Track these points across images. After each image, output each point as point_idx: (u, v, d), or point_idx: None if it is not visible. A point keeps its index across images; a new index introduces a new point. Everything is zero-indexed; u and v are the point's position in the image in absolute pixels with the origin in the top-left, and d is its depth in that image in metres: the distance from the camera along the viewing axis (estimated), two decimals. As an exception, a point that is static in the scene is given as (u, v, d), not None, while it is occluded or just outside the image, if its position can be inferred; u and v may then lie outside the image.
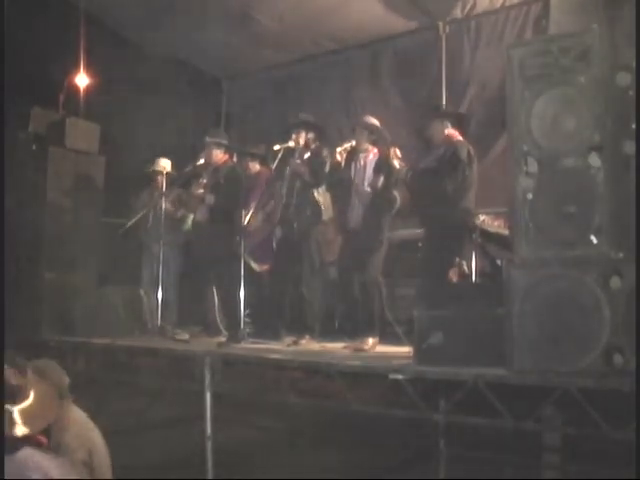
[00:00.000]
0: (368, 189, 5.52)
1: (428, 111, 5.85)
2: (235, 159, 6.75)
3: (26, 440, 2.52)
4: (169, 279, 6.70)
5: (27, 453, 2.56)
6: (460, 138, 5.39)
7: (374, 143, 5.68)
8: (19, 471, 2.50)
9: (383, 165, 5.54)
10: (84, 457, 3.03)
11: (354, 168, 5.67)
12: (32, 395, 2.63)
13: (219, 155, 6.35)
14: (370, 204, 5.53)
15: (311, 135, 5.98)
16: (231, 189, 6.15)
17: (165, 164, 7.02)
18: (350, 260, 5.57)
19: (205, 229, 6.27)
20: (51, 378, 3.34)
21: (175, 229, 6.82)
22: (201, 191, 6.22)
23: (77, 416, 3.37)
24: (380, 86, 8.21)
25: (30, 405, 2.57)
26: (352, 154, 5.78)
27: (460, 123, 5.56)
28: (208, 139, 6.38)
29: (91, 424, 3.23)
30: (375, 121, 5.75)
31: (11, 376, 2.55)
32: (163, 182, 6.60)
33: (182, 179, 6.50)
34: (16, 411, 2.52)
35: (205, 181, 6.31)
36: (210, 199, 6.16)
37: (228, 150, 6.48)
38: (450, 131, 5.42)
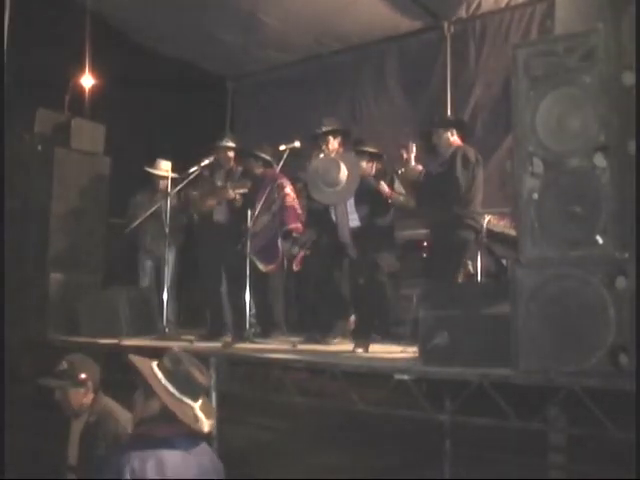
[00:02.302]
0: (355, 225, 5.42)
1: (434, 120, 5.82)
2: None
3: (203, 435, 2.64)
4: (171, 280, 6.72)
5: (207, 447, 2.71)
6: (463, 144, 5.44)
7: None
8: (215, 465, 2.70)
9: (365, 192, 5.40)
10: None
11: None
12: None
13: (231, 159, 6.53)
14: (360, 240, 5.42)
15: (338, 140, 5.87)
16: (249, 191, 6.23)
17: (165, 166, 7.04)
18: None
19: (223, 230, 6.32)
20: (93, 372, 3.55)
21: (175, 230, 6.82)
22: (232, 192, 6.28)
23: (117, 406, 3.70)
24: (385, 86, 8.22)
25: (202, 402, 2.67)
26: None
27: (463, 130, 5.55)
28: (223, 143, 6.49)
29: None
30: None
31: (198, 374, 2.67)
32: (168, 183, 6.60)
33: (187, 180, 6.49)
34: (197, 408, 2.62)
35: (220, 183, 6.41)
36: (238, 200, 6.22)
37: (238, 153, 6.58)
38: (454, 139, 5.46)
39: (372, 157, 5.86)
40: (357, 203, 5.42)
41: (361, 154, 5.78)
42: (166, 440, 2.54)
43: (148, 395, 2.63)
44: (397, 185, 5.94)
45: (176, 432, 2.57)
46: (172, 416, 2.56)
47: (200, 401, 2.67)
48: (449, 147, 5.43)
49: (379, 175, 5.82)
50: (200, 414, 2.62)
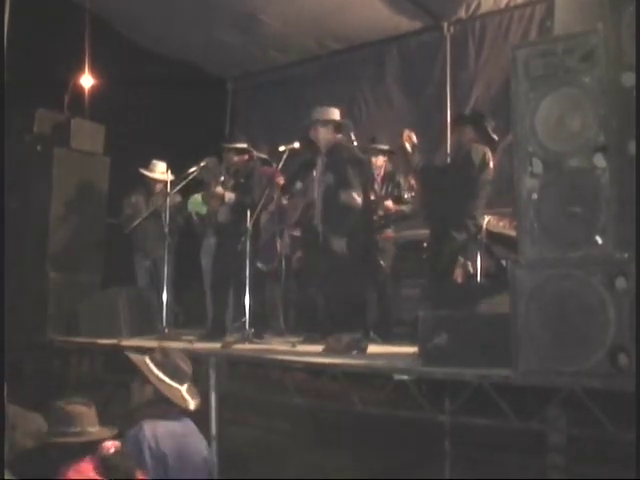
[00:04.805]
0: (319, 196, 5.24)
1: (459, 117, 5.90)
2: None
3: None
4: (169, 280, 6.72)
5: (191, 421, 3.31)
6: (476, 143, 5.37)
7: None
8: (200, 433, 3.32)
9: (335, 161, 5.23)
10: None
11: (316, 172, 5.38)
12: None
13: (236, 159, 6.45)
14: (323, 212, 5.25)
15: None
16: (250, 187, 6.18)
17: (161, 167, 7.03)
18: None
19: (227, 230, 6.30)
20: None
21: (172, 230, 6.80)
22: (220, 190, 6.25)
23: None
24: (385, 86, 8.23)
25: (188, 386, 3.27)
26: (314, 157, 5.50)
27: (480, 127, 5.43)
28: (226, 145, 6.49)
29: None
30: (335, 113, 5.43)
31: (183, 364, 3.29)
32: (165, 184, 6.60)
33: (186, 180, 6.48)
34: (184, 390, 3.22)
35: (223, 180, 6.39)
36: (230, 197, 6.18)
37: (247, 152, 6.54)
38: (469, 136, 5.41)
39: (386, 154, 5.93)
40: (326, 171, 5.27)
41: (376, 151, 5.85)
42: (164, 416, 3.15)
43: (143, 382, 3.21)
44: (405, 191, 5.97)
45: (170, 410, 3.17)
46: (165, 398, 3.17)
47: (186, 385, 3.25)
48: (461, 143, 5.45)
49: (385, 179, 5.90)
50: (187, 395, 3.22)
